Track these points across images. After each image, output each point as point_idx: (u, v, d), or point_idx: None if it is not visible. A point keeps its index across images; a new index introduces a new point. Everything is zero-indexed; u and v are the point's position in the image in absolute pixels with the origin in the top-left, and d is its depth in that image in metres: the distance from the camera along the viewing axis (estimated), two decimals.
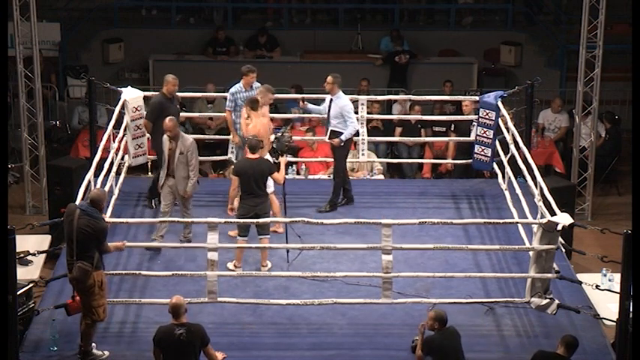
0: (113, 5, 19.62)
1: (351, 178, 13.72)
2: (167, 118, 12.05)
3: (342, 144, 12.91)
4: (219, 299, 10.64)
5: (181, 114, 14.96)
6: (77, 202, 10.50)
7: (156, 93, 13.59)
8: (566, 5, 20.35)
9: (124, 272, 11.16)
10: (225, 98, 14.76)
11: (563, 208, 11.30)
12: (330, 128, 12.97)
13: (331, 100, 12.93)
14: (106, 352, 10.18)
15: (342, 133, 12.87)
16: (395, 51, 18.56)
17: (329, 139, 12.99)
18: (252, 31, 19.22)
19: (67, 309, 10.20)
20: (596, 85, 14.78)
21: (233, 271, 11.42)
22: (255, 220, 11.24)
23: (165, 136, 12.02)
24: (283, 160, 12.03)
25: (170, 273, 10.98)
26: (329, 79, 12.91)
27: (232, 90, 13.07)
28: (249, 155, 11.56)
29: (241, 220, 11.43)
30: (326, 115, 13.05)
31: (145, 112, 13.17)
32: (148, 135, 13.22)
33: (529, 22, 20.15)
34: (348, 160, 13.30)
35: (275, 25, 19.79)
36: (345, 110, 12.86)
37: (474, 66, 18.80)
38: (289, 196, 12.32)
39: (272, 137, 12.26)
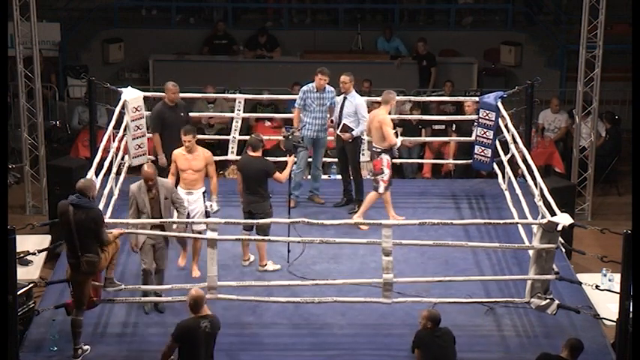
0: (113, 5, 19.61)
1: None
2: (146, 165, 10.96)
3: (352, 140, 12.91)
4: (220, 296, 10.59)
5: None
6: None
7: (156, 93, 13.59)
8: (566, 5, 20.34)
9: (123, 287, 10.73)
10: (226, 99, 14.74)
11: (563, 208, 11.29)
12: (342, 122, 12.93)
13: (345, 98, 12.93)
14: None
15: (353, 129, 12.88)
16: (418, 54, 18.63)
17: (341, 131, 12.96)
18: (252, 31, 19.20)
19: (68, 309, 10.21)
20: (596, 85, 14.77)
21: (246, 266, 11.62)
22: (255, 221, 11.22)
23: (136, 187, 10.75)
24: (290, 159, 12.01)
25: (170, 286, 10.84)
26: (346, 78, 12.90)
27: (304, 88, 13.06)
28: (250, 153, 11.56)
29: (241, 221, 11.43)
30: (337, 114, 13.03)
31: (145, 112, 13.17)
32: (148, 135, 13.21)
33: (529, 22, 20.15)
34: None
35: (275, 25, 19.78)
36: (360, 109, 12.88)
37: (474, 66, 18.79)
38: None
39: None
